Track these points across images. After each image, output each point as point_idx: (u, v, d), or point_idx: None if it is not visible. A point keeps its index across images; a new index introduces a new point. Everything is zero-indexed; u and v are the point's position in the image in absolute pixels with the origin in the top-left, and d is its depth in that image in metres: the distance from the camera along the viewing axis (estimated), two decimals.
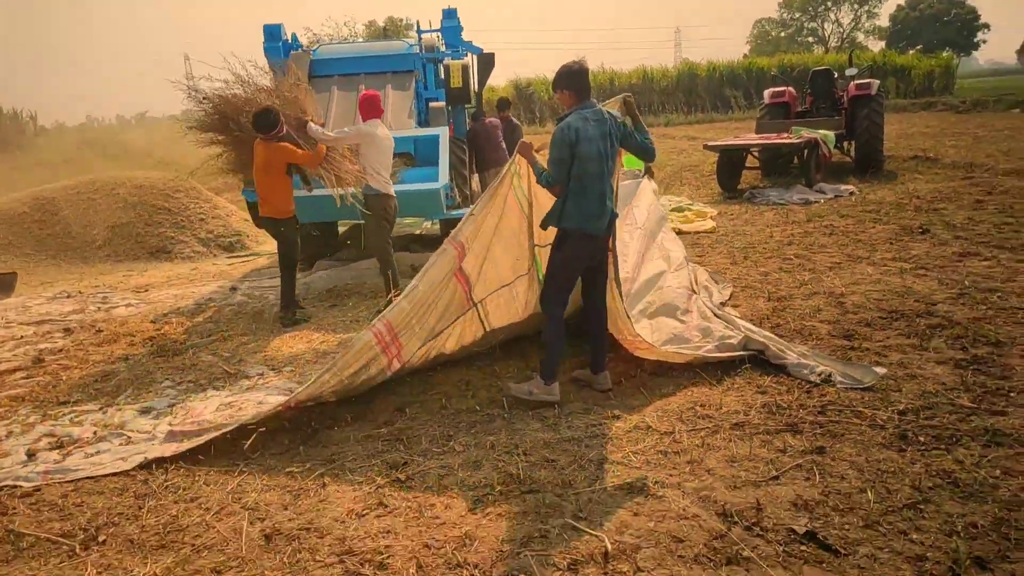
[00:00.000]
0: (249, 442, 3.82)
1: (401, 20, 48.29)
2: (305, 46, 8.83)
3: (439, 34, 9.26)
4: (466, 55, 9.21)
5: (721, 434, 3.67)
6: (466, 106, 9.52)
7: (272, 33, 8.35)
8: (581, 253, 4.09)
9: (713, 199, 11.38)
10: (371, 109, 6.09)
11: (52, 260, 9.24)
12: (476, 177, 9.85)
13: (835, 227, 8.45)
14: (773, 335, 4.72)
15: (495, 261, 4.56)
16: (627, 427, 3.83)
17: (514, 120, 9.96)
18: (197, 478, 3.58)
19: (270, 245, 10.13)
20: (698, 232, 8.75)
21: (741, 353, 4.49)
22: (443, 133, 7.32)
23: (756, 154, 12.54)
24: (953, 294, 5.57)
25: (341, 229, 9.51)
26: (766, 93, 14.04)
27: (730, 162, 11.87)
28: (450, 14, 9.32)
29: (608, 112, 4.10)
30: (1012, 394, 3.82)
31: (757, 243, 7.97)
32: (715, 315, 5.04)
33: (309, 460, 3.70)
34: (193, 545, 3.00)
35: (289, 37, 8.57)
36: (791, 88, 13.90)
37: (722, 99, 37.04)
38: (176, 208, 9.89)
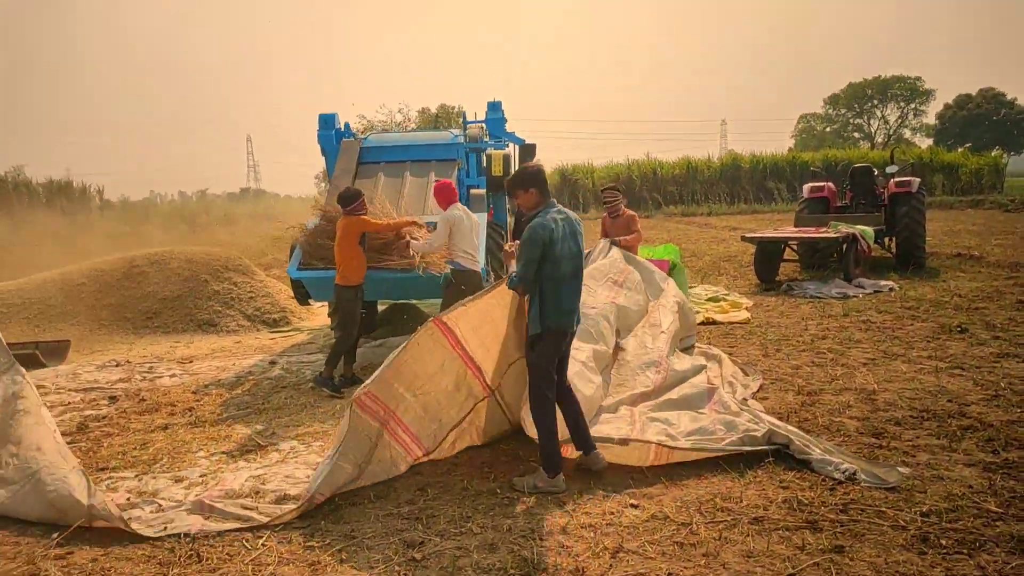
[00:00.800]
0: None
1: (453, 107, 50.04)
2: (356, 133, 9.32)
3: (483, 125, 9.70)
4: (508, 145, 9.60)
5: (739, 528, 3.65)
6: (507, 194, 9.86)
7: (326, 122, 8.87)
8: (556, 348, 4.21)
9: (750, 290, 11.40)
10: (448, 196, 6.74)
11: (105, 330, 9.64)
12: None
13: (872, 323, 8.40)
14: (798, 430, 4.70)
15: (506, 346, 4.69)
16: (644, 516, 3.83)
17: None
18: (220, 548, 3.67)
19: (312, 322, 10.44)
20: (732, 323, 8.76)
21: (764, 447, 4.48)
22: (482, 219, 7.59)
23: (794, 247, 12.60)
24: (988, 395, 5.49)
25: (381, 308, 9.76)
26: (805, 188, 14.19)
27: (767, 254, 11.94)
28: (495, 107, 9.79)
29: (570, 212, 4.29)
30: None
31: (791, 336, 7.96)
32: (741, 409, 5.04)
33: (329, 535, 3.77)
34: None
35: (342, 126, 9.08)
36: (831, 183, 14.04)
37: (765, 191, 37.33)
38: (225, 283, 10.30)
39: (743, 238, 12.50)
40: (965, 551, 3.29)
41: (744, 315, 9.10)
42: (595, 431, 4.61)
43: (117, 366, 7.79)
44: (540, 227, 4.05)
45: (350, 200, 6.60)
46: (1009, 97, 66.26)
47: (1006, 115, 65.42)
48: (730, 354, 7.08)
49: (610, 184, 8.18)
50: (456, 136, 8.92)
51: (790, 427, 4.73)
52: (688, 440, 4.61)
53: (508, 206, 10.59)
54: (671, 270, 9.27)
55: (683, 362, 5.70)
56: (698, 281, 12.42)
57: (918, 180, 12.59)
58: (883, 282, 10.88)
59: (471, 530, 3.77)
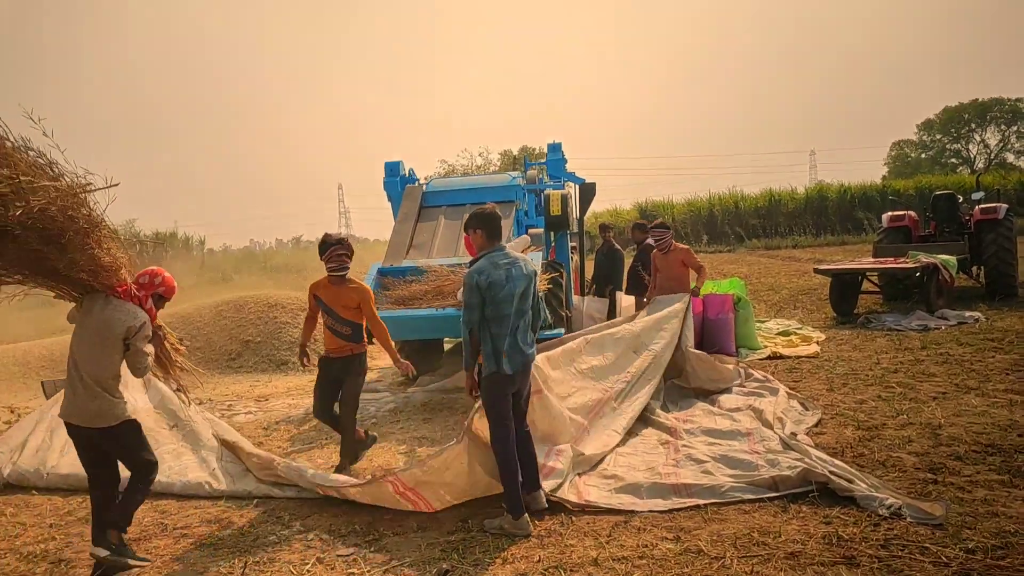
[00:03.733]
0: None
1: (533, 149, 50.85)
2: (422, 180, 9.70)
3: (543, 166, 9.93)
4: (566, 185, 9.79)
5: (773, 563, 3.60)
6: (569, 231, 10.03)
7: (391, 169, 9.30)
8: (503, 391, 4.26)
9: (825, 324, 11.08)
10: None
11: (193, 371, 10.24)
12: (584, 298, 10.18)
13: (950, 355, 8.04)
14: (845, 465, 4.58)
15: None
16: (678, 550, 3.83)
17: (615, 244, 10.32)
18: (268, 573, 3.89)
19: (381, 361, 10.77)
20: (799, 357, 8.55)
21: (797, 489, 4.38)
22: (537, 258, 7.75)
23: (873, 280, 12.20)
24: None
25: (447, 346, 10.02)
26: (885, 217, 13.73)
27: (843, 286, 11.59)
28: (555, 148, 10.03)
29: (520, 256, 4.38)
30: None
31: (860, 370, 7.71)
32: (787, 446, 4.95)
33: (370, 562, 3.94)
34: None
35: (407, 172, 9.49)
36: (912, 212, 13.55)
37: (854, 221, 36.06)
38: (300, 324, 10.80)
39: (815, 270, 12.20)
40: None
41: (813, 349, 8.87)
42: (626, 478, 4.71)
43: (200, 404, 8.26)
44: (476, 272, 4.19)
45: (321, 251, 5.57)
46: None
47: None
48: (793, 388, 6.95)
49: (659, 222, 8.21)
50: (515, 178, 9.18)
51: (837, 463, 4.61)
52: (727, 476, 4.58)
53: (572, 244, 10.75)
54: (736, 304, 9.18)
55: (731, 399, 5.65)
56: (772, 315, 12.17)
57: (1005, 206, 12.02)
58: (968, 313, 10.37)
59: (504, 560, 3.86)
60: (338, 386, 5.65)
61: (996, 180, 32.68)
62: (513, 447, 4.31)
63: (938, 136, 69.29)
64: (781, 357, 8.65)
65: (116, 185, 3.79)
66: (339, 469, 5.48)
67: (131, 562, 4.02)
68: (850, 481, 4.28)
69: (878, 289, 12.52)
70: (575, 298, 10.03)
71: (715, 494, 4.45)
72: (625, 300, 10.21)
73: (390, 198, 9.35)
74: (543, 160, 10.55)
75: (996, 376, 6.92)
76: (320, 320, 5.72)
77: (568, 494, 4.57)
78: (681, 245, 8.14)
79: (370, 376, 9.69)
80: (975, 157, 66.77)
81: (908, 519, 3.91)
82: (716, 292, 9.34)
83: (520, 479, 4.37)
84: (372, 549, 4.13)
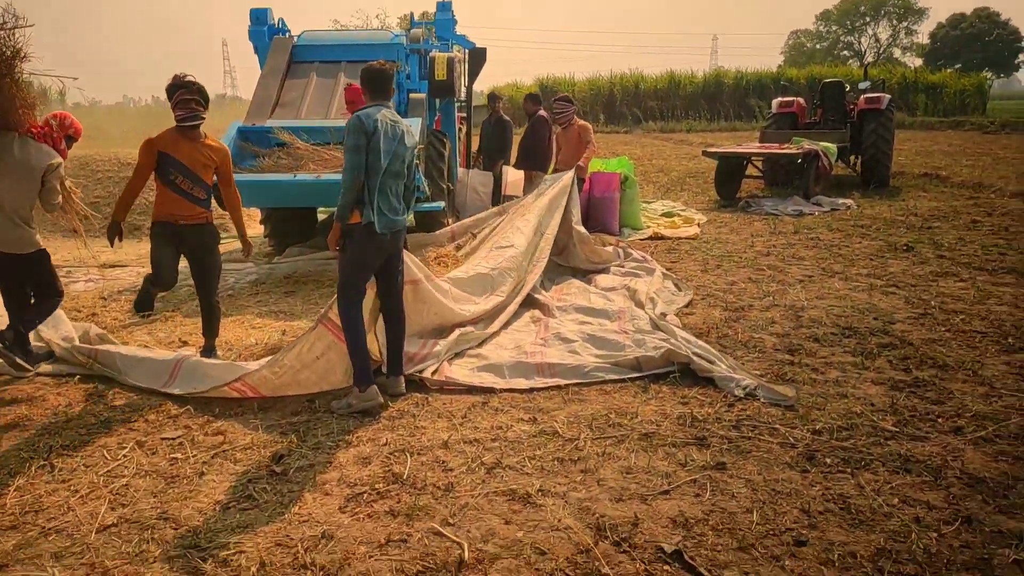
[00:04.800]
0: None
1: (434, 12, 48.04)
2: (291, 31, 8.71)
3: (431, 26, 9.14)
4: (454, 49, 9.08)
5: (626, 444, 3.50)
6: (456, 100, 9.43)
7: (258, 17, 8.26)
8: (369, 250, 3.99)
9: (708, 206, 11.15)
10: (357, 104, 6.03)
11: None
12: (468, 171, 9.72)
13: (820, 240, 8.21)
14: (708, 346, 4.53)
15: None
16: (533, 431, 3.67)
17: (505, 116, 9.80)
18: (77, 459, 3.48)
19: (249, 230, 10.06)
20: (679, 238, 8.53)
21: (659, 369, 4.30)
22: (415, 124, 7.17)
23: (757, 164, 12.28)
24: (916, 314, 5.34)
25: (321, 216, 9.44)
26: (774, 103, 13.78)
27: (728, 170, 11.63)
28: (444, 7, 9.23)
29: (406, 123, 4.11)
30: (939, 419, 3.61)
31: (735, 252, 7.75)
32: (656, 326, 4.86)
33: (197, 447, 3.59)
34: (43, 528, 2.88)
35: (277, 22, 8.48)
36: (800, 99, 13.62)
37: (747, 108, 36.53)
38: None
39: (704, 153, 12.18)
40: (848, 470, 3.16)
41: (693, 231, 8.86)
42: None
43: None
44: (364, 115, 3.88)
45: (169, 96, 4.70)
46: (1003, 17, 64.84)
47: (998, 36, 64.12)
48: (670, 269, 6.90)
49: (562, 95, 7.87)
50: (397, 36, 8.39)
51: (701, 343, 4.56)
52: (593, 356, 4.44)
53: (460, 114, 10.15)
54: (623, 183, 9.00)
55: (607, 279, 5.50)
56: (660, 196, 12.15)
57: (888, 97, 12.20)
58: (841, 200, 10.65)
59: (348, 443, 3.60)
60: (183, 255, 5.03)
61: (883, 73, 33.57)
62: (359, 313, 4.04)
63: (834, 27, 70.56)
64: (662, 238, 8.61)
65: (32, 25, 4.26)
66: (206, 351, 4.95)
67: (18, 361, 4.43)
68: (711, 362, 4.22)
69: (761, 174, 12.66)
70: (460, 170, 9.55)
71: (578, 374, 4.31)
72: (512, 175, 9.80)
73: (257, 50, 8.36)
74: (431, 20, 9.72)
75: (860, 261, 7.09)
76: (157, 182, 4.95)
77: (430, 374, 4.33)
78: (580, 121, 7.82)
79: (236, 244, 9.03)
80: (866, 50, 68.62)
81: (762, 400, 3.89)
82: (604, 171, 9.11)
83: (382, 359, 4.18)
84: (203, 432, 3.77)
